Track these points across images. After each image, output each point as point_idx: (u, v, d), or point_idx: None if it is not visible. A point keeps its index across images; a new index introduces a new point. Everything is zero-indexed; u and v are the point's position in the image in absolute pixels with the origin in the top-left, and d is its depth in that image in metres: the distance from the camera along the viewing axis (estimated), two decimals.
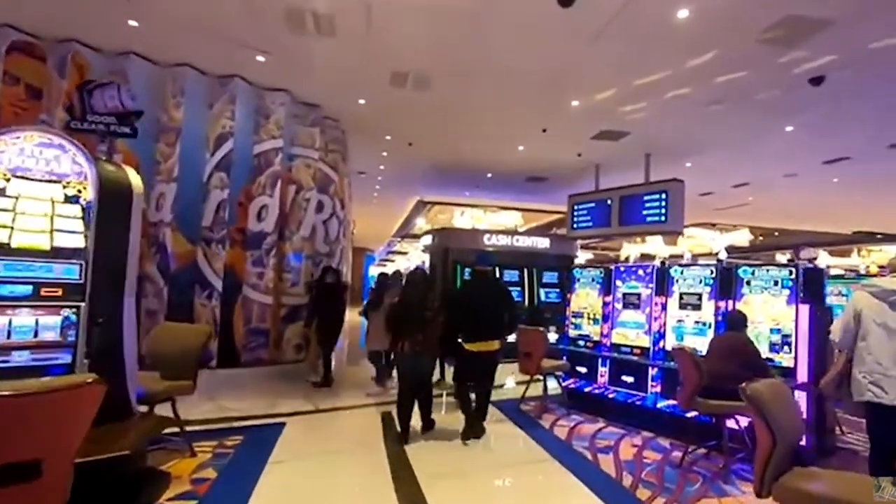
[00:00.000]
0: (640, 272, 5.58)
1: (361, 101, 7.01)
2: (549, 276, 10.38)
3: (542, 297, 10.25)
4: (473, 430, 4.57)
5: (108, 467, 2.54)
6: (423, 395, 4.74)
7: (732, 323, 4.18)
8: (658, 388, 5.20)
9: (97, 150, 3.20)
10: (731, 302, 4.74)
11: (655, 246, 19.27)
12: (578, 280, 6.32)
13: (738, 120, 7.06)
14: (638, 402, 5.33)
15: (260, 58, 5.78)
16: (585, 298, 6.17)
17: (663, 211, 8.34)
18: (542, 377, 5.74)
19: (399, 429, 4.54)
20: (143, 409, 3.38)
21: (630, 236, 11.86)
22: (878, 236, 17.54)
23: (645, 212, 8.61)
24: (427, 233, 11.69)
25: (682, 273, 5.19)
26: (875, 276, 11.41)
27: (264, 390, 5.92)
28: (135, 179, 3.07)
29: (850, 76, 5.54)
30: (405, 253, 30.77)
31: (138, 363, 3.22)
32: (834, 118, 6.82)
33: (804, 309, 4.28)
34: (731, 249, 18.25)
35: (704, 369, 3.80)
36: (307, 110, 7.17)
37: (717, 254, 17.89)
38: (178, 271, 5.96)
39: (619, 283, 5.78)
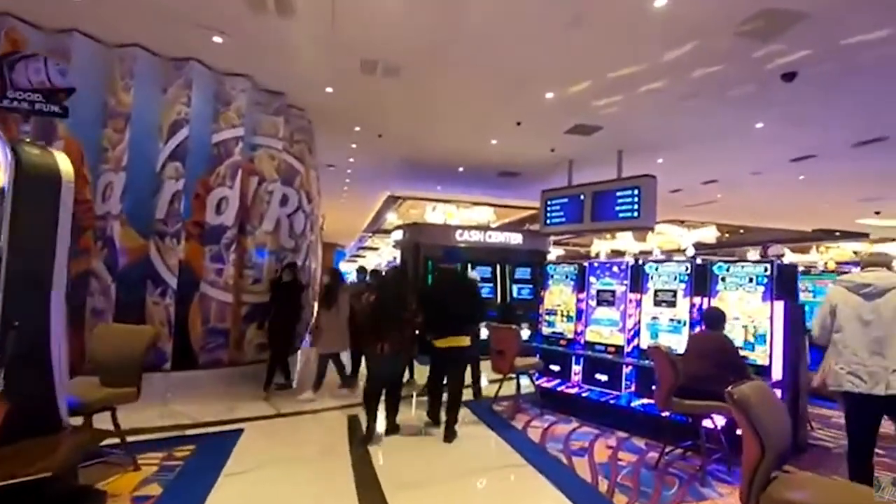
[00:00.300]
0: (615, 269, 5.47)
1: (329, 90, 6.69)
2: (522, 272, 10.27)
3: (515, 294, 10.12)
4: (448, 430, 4.57)
5: (28, 490, 2.23)
6: (392, 396, 4.65)
7: (711, 321, 4.08)
8: (632, 387, 5.10)
9: (20, 130, 2.83)
10: (705, 299, 4.66)
11: (625, 242, 19.50)
12: (552, 277, 6.18)
13: (711, 115, 7.04)
14: (612, 402, 5.22)
15: (217, 39, 5.41)
16: (559, 295, 6.04)
17: (636, 207, 8.28)
18: (515, 376, 5.57)
19: (364, 429, 4.47)
20: (79, 420, 3.05)
21: (603, 232, 11.86)
22: (837, 234, 18.13)
23: (617, 207, 8.54)
24: (398, 228, 11.42)
25: (656, 270, 5.09)
26: (833, 272, 11.72)
27: (222, 394, 5.58)
28: (64, 165, 2.73)
29: (820, 73, 5.53)
30: (376, 248, 30.41)
31: (81, 368, 2.89)
32: (803, 115, 6.86)
33: (779, 305, 4.22)
34: (698, 246, 18.58)
35: (681, 368, 3.68)
36: (270, 98, 6.80)
37: (685, 250, 18.19)
38: (127, 267, 5.54)
39: (593, 279, 5.66)
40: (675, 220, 17.45)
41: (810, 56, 5.18)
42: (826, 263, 18.63)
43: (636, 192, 8.26)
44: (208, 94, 6.14)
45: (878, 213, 14.56)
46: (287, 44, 5.43)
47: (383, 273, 7.44)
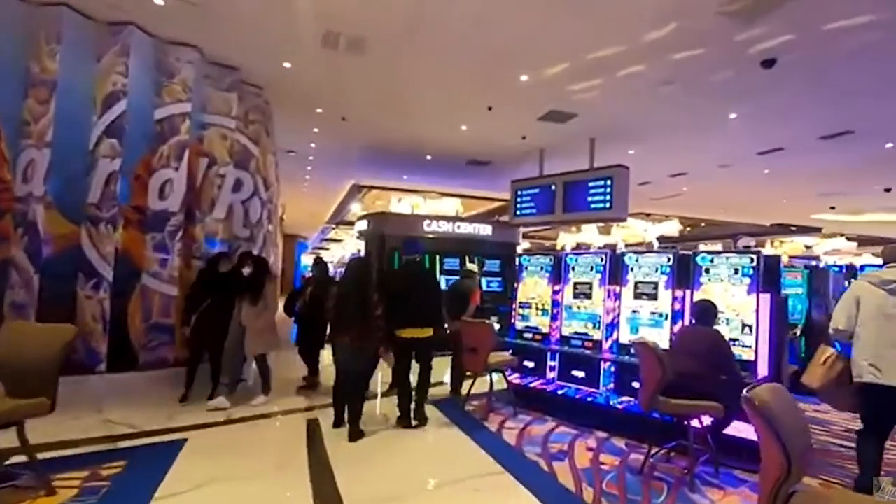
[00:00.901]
0: (593, 259, 5.21)
1: (287, 65, 6.15)
2: (492, 265, 9.97)
3: (485, 286, 9.81)
4: (417, 417, 4.66)
5: None
6: (356, 397, 4.38)
7: (702, 315, 3.84)
8: (611, 384, 4.85)
9: None
10: (688, 291, 4.45)
11: (590, 235, 19.54)
12: (526, 268, 5.88)
13: (687, 104, 6.88)
14: (590, 399, 4.97)
15: (159, 1, 4.81)
16: (534, 288, 5.75)
17: (608, 198, 8.08)
18: (488, 373, 5.24)
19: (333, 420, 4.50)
20: None
21: (575, 224, 11.68)
22: (793, 228, 18.69)
23: (590, 198, 8.32)
24: (362, 217, 10.92)
25: (636, 261, 4.85)
26: (786, 266, 11.96)
27: (166, 398, 5.02)
28: None
29: (799, 60, 5.40)
30: (340, 240, 29.69)
31: None
32: (777, 106, 6.78)
33: (765, 298, 4.03)
34: (661, 239, 18.79)
35: (669, 366, 3.42)
36: (222, 72, 6.21)
37: (649, 243, 18.36)
38: (54, 256, 4.90)
39: (569, 271, 5.38)
40: (640, 214, 17.56)
41: (791, 42, 5.03)
42: (780, 258, 19.25)
43: (609, 182, 8.05)
44: (149, 64, 5.52)
45: (832, 208, 15.01)
46: (239, 10, 4.89)
47: (319, 263, 6.93)
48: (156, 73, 5.57)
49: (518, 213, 9.38)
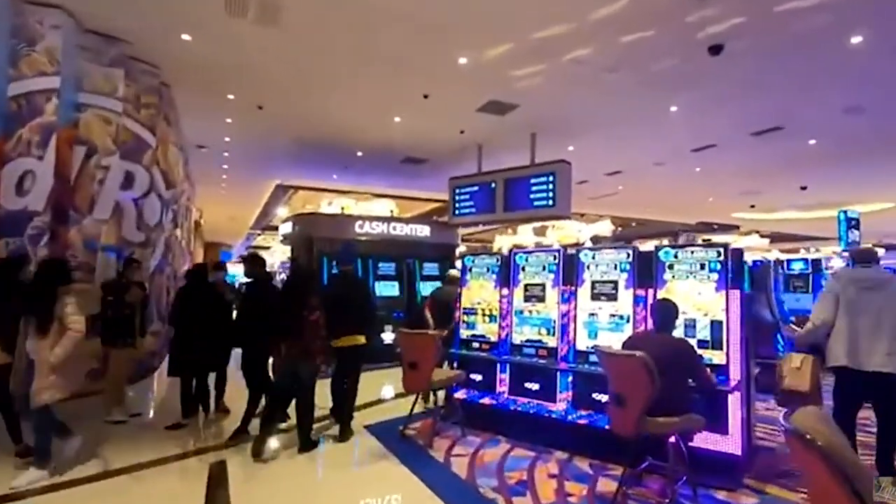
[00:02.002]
0: (545, 258, 4.70)
1: (186, 38, 5.22)
2: (430, 268, 9.33)
3: (422, 292, 9.15)
4: (344, 435, 4.47)
5: None
6: (302, 409, 4.16)
7: (662, 318, 3.37)
8: (569, 396, 4.34)
9: None
10: (651, 290, 4.02)
11: (526, 237, 19.43)
12: (470, 270, 5.29)
13: (630, 95, 6.62)
14: (546, 414, 4.43)
15: None
16: (479, 291, 5.16)
17: (551, 195, 7.69)
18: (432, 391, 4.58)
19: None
20: None
21: (516, 222, 11.29)
22: (715, 227, 19.58)
23: (532, 195, 7.91)
24: (287, 220, 9.92)
25: (593, 258, 4.38)
26: None
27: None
28: None
29: (746, 47, 5.23)
30: (268, 247, 27.91)
31: None
32: (717, 98, 6.68)
33: (735, 296, 3.67)
34: (595, 240, 19.01)
35: (658, 381, 2.91)
36: (104, 44, 5.17)
37: (583, 244, 18.49)
38: None
39: (519, 271, 4.85)
40: (574, 214, 17.63)
41: (741, 25, 4.80)
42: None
43: (551, 178, 7.67)
44: (1, 27, 4.41)
45: (752, 206, 15.75)
46: None
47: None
48: (9, 39, 4.47)
49: (457, 212, 8.82)
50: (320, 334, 4.16)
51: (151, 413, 5.27)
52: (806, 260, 10.42)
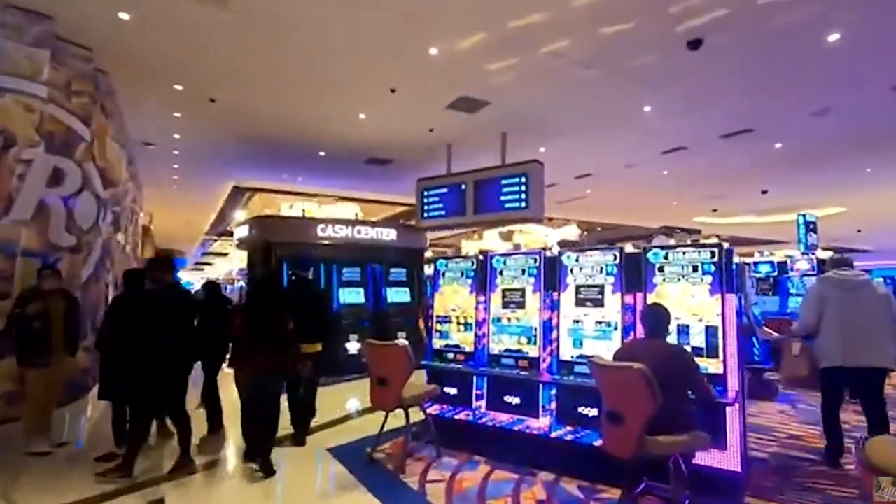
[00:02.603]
0: (524, 261, 4.37)
1: (124, 17, 4.65)
2: (397, 274, 8.90)
3: (389, 298, 8.71)
4: (298, 438, 4.52)
5: None
6: (272, 425, 3.97)
7: (654, 324, 3.07)
8: (553, 408, 4.00)
9: None
10: (640, 295, 3.74)
11: (492, 242, 19.23)
12: (443, 274, 4.91)
13: (604, 93, 6.42)
14: (528, 431, 4.08)
15: None
16: (453, 297, 4.78)
17: (523, 196, 7.39)
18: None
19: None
20: None
21: (488, 225, 10.99)
22: (677, 231, 19.88)
23: (503, 197, 7.58)
24: (243, 223, 9.28)
25: (577, 261, 4.08)
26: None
27: None
28: None
29: (725, 42, 5.07)
30: (225, 254, 26.80)
31: None
32: (692, 97, 6.56)
33: (731, 299, 3.42)
34: (562, 244, 18.98)
35: (660, 395, 2.59)
36: (24, 20, 4.54)
37: (550, 248, 18.40)
38: None
39: (497, 276, 4.50)
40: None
41: (723, 18, 4.63)
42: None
43: (523, 179, 7.37)
44: None
45: (715, 210, 16.04)
46: None
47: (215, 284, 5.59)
48: None
49: (426, 215, 8.41)
50: (294, 341, 4.09)
51: (82, 442, 4.63)
52: (772, 262, 10.53)
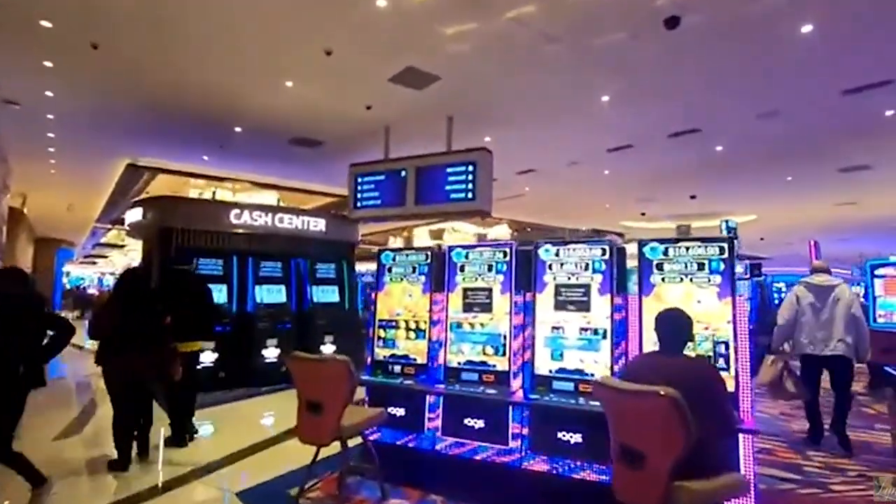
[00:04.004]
0: (491, 255, 3.64)
1: None
2: (325, 270, 7.88)
3: (315, 298, 7.68)
4: (176, 438, 4.41)
5: None
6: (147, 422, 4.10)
7: (673, 335, 2.47)
8: (525, 433, 3.31)
9: None
10: (633, 297, 3.14)
11: (422, 241, 18.54)
12: (389, 270, 4.08)
13: (565, 75, 5.87)
14: (494, 460, 3.36)
15: None
16: (401, 298, 3.97)
17: (470, 187, 6.65)
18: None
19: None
20: None
21: (430, 217, 10.16)
22: (605, 235, 20.30)
23: (448, 187, 6.79)
24: (135, 205, 7.80)
25: (556, 255, 3.42)
26: None
27: None
28: None
29: (701, 23, 4.67)
30: (122, 245, 23.82)
31: None
32: (651, 90, 6.20)
33: (742, 304, 2.89)
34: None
35: (695, 429, 1.95)
36: None
37: None
38: None
39: (457, 272, 3.74)
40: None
41: None
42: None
43: (471, 168, 6.66)
44: None
45: (643, 214, 16.38)
46: None
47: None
48: None
49: (359, 204, 7.47)
50: (168, 338, 4.10)
51: None
52: None
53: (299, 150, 8.79)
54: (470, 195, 6.64)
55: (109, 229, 18.74)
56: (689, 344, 2.69)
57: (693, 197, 12.79)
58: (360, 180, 7.32)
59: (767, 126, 7.36)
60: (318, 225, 8.00)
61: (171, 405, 4.51)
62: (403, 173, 7.04)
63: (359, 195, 7.33)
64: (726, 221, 13.05)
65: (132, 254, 22.59)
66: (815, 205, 12.90)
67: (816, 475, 3.72)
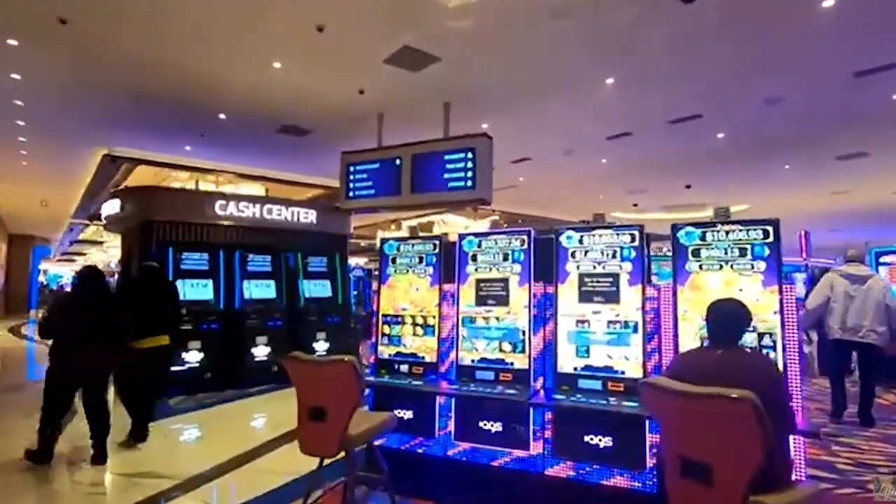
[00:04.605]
0: (507, 242, 3.35)
1: None
2: (317, 263, 7.51)
3: (307, 293, 7.32)
4: (136, 435, 4.37)
5: None
6: (103, 416, 3.98)
7: (728, 328, 2.20)
8: (547, 436, 3.03)
9: None
10: (667, 286, 2.87)
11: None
12: (393, 260, 3.76)
13: (569, 54, 5.59)
14: (510, 467, 3.08)
15: None
16: (407, 292, 3.66)
17: (469, 175, 6.34)
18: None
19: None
20: None
21: (427, 207, 9.84)
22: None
23: (446, 175, 6.48)
24: (113, 196, 7.35)
25: (580, 241, 3.13)
26: None
27: None
28: None
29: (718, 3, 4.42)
30: (101, 241, 23.08)
31: None
32: (657, 73, 5.96)
33: (789, 292, 2.64)
34: None
35: (772, 437, 1.68)
36: None
37: None
38: None
39: (468, 262, 3.44)
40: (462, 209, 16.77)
41: None
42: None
43: (470, 155, 6.35)
44: None
45: (635, 205, 16.22)
46: None
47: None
48: None
49: (352, 194, 7.11)
50: (125, 335, 4.22)
51: None
52: None
53: (286, 140, 8.39)
54: (469, 183, 6.29)
55: (87, 225, 18.08)
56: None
57: (688, 186, 12.64)
58: (352, 169, 6.95)
59: (772, 112, 7.16)
60: (309, 216, 7.63)
61: (128, 399, 4.51)
62: (398, 161, 6.67)
63: (351, 185, 6.96)
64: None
65: (112, 250, 21.89)
66: (810, 194, 12.84)
67: (851, 473, 3.52)
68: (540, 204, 16.38)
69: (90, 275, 4.24)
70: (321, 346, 7.14)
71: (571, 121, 7.81)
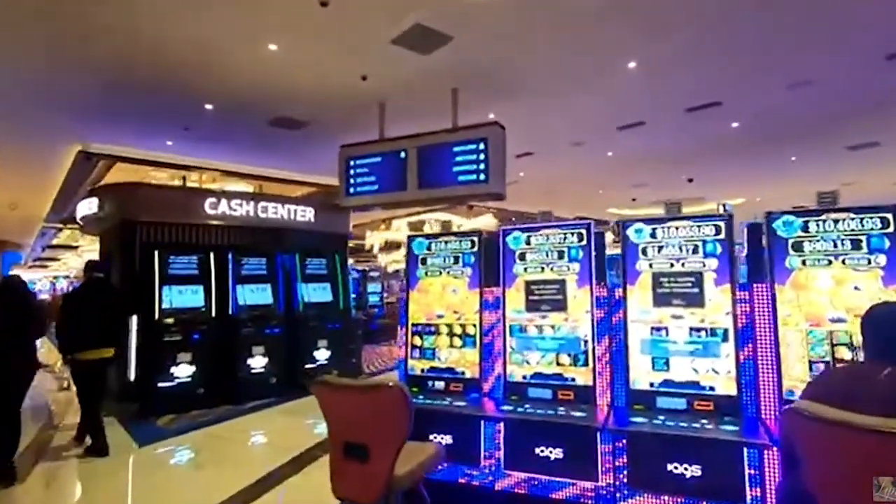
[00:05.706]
0: (561, 237, 2.88)
1: None
2: (316, 265, 6.98)
3: (307, 297, 6.78)
4: (94, 449, 4.45)
5: None
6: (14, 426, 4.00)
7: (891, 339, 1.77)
8: (620, 464, 2.57)
9: None
10: (762, 286, 2.43)
11: (401, 234, 17.65)
12: (423, 261, 3.27)
13: (590, 34, 5.17)
14: (575, 501, 2.61)
15: None
16: (441, 295, 3.18)
17: (482, 167, 5.90)
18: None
19: None
20: None
21: (435, 203, 9.31)
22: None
23: (456, 168, 6.01)
24: (91, 194, 6.71)
25: (652, 235, 2.67)
26: None
27: None
28: None
29: None
30: (76, 246, 22.06)
31: None
32: (683, 55, 5.57)
33: None
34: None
35: None
36: None
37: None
38: None
39: (515, 261, 2.96)
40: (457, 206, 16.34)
41: None
42: None
43: (481, 146, 5.89)
44: None
45: (634, 199, 15.94)
46: None
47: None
48: None
49: (353, 190, 6.59)
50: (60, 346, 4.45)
51: None
52: None
53: (280, 133, 7.81)
54: (482, 176, 5.83)
55: (60, 229, 17.15)
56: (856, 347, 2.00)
57: (690, 180, 12.37)
58: (352, 164, 6.43)
59: (795, 98, 6.84)
60: (307, 214, 7.09)
61: (92, 413, 4.54)
62: (403, 154, 6.17)
63: (351, 180, 6.44)
64: (724, 205, 12.68)
65: (87, 255, 20.93)
66: (815, 186, 12.63)
67: None
68: (537, 200, 15.96)
69: (11, 285, 4.32)
70: (322, 355, 6.62)
71: (583, 109, 7.40)
